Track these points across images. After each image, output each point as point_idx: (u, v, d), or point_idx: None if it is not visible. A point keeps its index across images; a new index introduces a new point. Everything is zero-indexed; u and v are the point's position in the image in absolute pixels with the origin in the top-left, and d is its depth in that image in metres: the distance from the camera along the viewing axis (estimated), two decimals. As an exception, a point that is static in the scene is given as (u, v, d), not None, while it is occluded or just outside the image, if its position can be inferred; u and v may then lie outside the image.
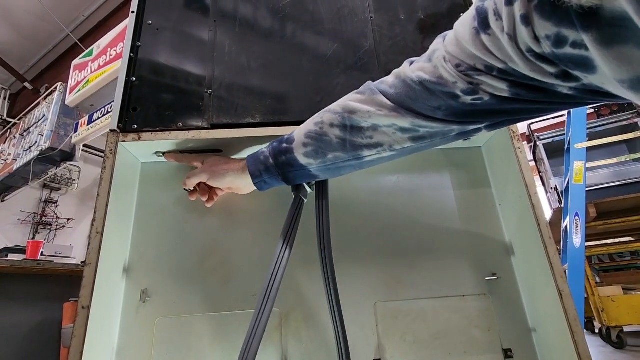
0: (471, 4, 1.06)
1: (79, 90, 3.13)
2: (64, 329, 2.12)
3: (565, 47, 0.34)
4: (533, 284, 0.85)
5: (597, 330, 3.09)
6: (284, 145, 0.64)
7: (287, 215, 0.72)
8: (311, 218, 0.75)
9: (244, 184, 0.70)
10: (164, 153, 0.87)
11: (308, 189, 0.76)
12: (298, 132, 0.64)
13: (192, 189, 0.76)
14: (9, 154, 4.31)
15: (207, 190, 0.78)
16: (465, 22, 0.45)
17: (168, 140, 0.82)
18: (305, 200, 0.75)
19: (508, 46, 0.39)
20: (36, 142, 3.74)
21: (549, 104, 0.44)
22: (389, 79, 0.55)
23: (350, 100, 0.58)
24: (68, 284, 2.52)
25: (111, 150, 0.80)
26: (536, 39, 0.36)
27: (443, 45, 0.48)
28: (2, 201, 4.98)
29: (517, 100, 0.44)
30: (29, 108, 4.36)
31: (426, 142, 0.54)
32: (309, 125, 0.63)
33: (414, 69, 0.51)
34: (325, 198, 0.74)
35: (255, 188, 0.70)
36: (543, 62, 0.38)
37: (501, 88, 0.43)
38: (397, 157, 0.60)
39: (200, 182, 0.75)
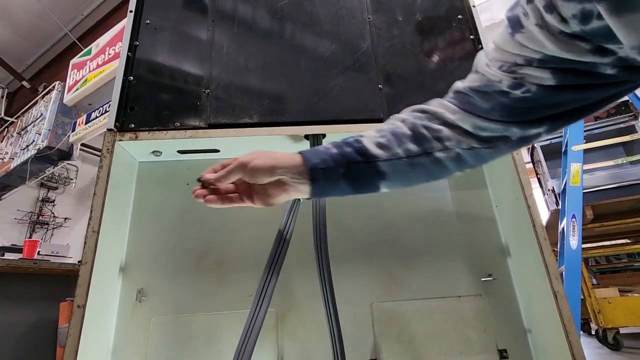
0: (468, 6, 1.07)
1: (77, 89, 3.13)
2: (60, 329, 2.11)
3: (592, 20, 0.37)
4: (528, 285, 0.85)
5: (593, 332, 3.10)
6: (350, 138, 0.58)
7: (284, 215, 0.72)
8: (308, 218, 0.76)
9: (292, 173, 0.55)
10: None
11: (305, 189, 0.76)
12: (367, 132, 0.60)
13: (210, 180, 0.58)
14: (6, 153, 4.29)
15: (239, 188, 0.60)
16: (501, 32, 0.51)
17: (165, 140, 0.83)
18: (302, 200, 0.75)
19: (539, 35, 0.43)
20: (33, 140, 3.73)
21: (597, 89, 0.47)
22: (448, 94, 0.59)
23: (418, 105, 0.61)
24: (65, 283, 2.51)
25: (108, 149, 0.80)
26: (564, 20, 0.40)
27: (484, 56, 0.54)
28: (-1, 200, 4.95)
29: (564, 87, 0.47)
30: (27, 107, 4.35)
31: (489, 146, 0.55)
32: (378, 126, 0.61)
33: (464, 82, 0.57)
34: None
35: (304, 188, 0.56)
36: (575, 39, 0.41)
37: (545, 77, 0.47)
38: (467, 164, 0.57)
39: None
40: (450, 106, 0.56)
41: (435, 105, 0.58)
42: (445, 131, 0.56)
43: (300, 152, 0.57)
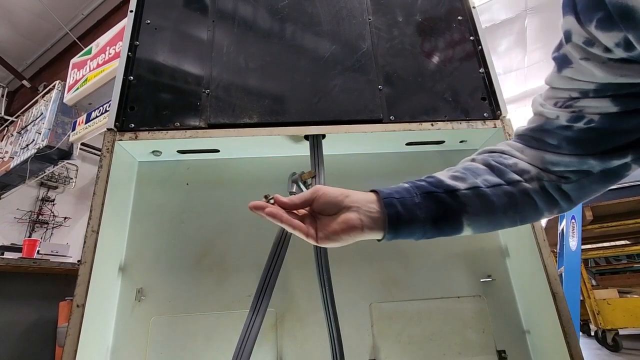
0: (468, 7, 1.07)
1: (77, 88, 3.13)
2: (59, 328, 2.11)
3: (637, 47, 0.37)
4: (527, 286, 0.85)
5: (592, 333, 3.10)
6: (421, 178, 0.54)
7: (283, 215, 0.72)
8: (307, 218, 0.75)
9: (364, 202, 0.52)
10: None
11: (304, 188, 0.76)
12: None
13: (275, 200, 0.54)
14: (6, 152, 4.30)
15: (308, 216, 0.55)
16: (550, 73, 0.51)
17: (165, 140, 0.83)
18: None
19: (588, 65, 0.43)
20: (33, 140, 3.73)
21: None
22: (512, 138, 0.59)
23: (483, 149, 0.60)
24: (64, 282, 2.51)
25: (108, 149, 0.80)
26: (608, 50, 0.40)
27: (539, 98, 0.54)
28: (-1, 199, 4.95)
29: (630, 112, 0.46)
30: (27, 106, 4.36)
31: (569, 181, 0.52)
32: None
33: (524, 127, 0.56)
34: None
35: (378, 221, 0.50)
36: (626, 63, 0.41)
37: (606, 105, 0.46)
38: (556, 202, 0.53)
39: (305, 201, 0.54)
40: (517, 145, 0.56)
41: (501, 145, 0.57)
42: (521, 164, 0.54)
43: (371, 190, 0.53)
